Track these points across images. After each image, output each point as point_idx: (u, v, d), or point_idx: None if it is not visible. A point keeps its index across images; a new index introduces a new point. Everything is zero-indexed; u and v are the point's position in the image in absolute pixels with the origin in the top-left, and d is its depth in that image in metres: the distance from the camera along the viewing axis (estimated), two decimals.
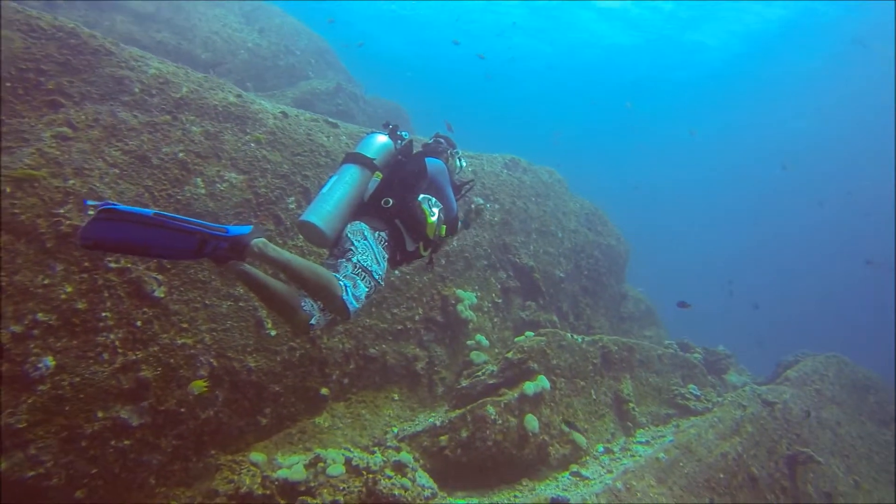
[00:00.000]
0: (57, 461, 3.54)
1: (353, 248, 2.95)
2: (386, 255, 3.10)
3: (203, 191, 4.94)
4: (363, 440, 5.01)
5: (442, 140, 3.89)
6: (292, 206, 5.53)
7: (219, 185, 5.07)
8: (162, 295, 4.34)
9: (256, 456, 4.09)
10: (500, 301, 7.29)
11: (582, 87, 36.89)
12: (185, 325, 4.39)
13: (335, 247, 3.05)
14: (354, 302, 2.76)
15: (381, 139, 3.37)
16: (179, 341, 4.32)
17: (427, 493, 4.05)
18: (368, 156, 3.24)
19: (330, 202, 3.00)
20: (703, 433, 5.69)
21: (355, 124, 7.92)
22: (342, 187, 3.08)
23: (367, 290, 2.88)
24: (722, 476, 5.28)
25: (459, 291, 6.38)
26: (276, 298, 2.61)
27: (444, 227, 3.35)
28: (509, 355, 5.45)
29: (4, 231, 3.77)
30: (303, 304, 2.71)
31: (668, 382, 7.61)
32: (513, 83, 39.44)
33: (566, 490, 4.82)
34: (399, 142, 3.46)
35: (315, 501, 3.49)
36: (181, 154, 4.95)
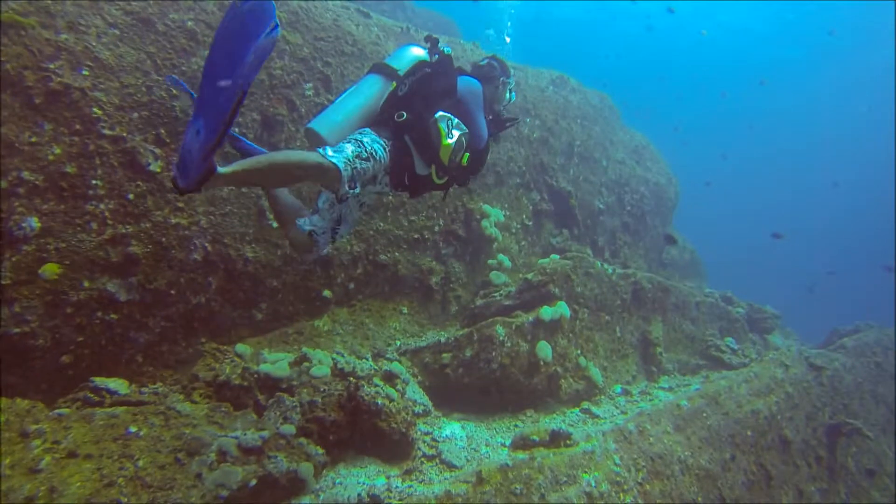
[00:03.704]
0: (42, 323, 3.44)
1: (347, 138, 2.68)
2: (385, 144, 2.72)
3: None
4: (363, 350, 4.76)
5: (496, 64, 3.36)
6: (309, 92, 5.06)
7: None
8: (158, 170, 4.04)
9: (242, 347, 3.89)
10: (530, 224, 6.73)
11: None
12: (180, 205, 4.11)
13: None
14: (334, 154, 2.45)
15: (416, 51, 3.01)
16: (173, 220, 4.06)
17: (419, 408, 3.78)
18: (394, 66, 2.95)
19: (340, 112, 2.79)
20: (734, 386, 5.16)
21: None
22: (357, 98, 2.85)
23: (356, 150, 2.53)
24: (749, 433, 4.79)
25: (486, 206, 5.86)
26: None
27: (467, 154, 2.88)
28: (529, 276, 4.98)
29: None
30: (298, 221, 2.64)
31: (704, 332, 7.01)
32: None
33: (572, 426, 4.47)
34: (436, 56, 3.04)
35: (292, 399, 3.25)
36: (190, 23, 4.49)
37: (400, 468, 3.41)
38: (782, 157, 50.09)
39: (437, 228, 5.60)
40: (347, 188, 2.46)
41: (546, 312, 4.69)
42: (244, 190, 4.43)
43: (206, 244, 4.19)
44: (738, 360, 6.41)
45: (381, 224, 5.23)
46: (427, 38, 3.15)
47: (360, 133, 2.71)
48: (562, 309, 4.82)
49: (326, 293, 4.74)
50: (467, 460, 3.58)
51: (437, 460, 3.53)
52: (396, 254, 5.28)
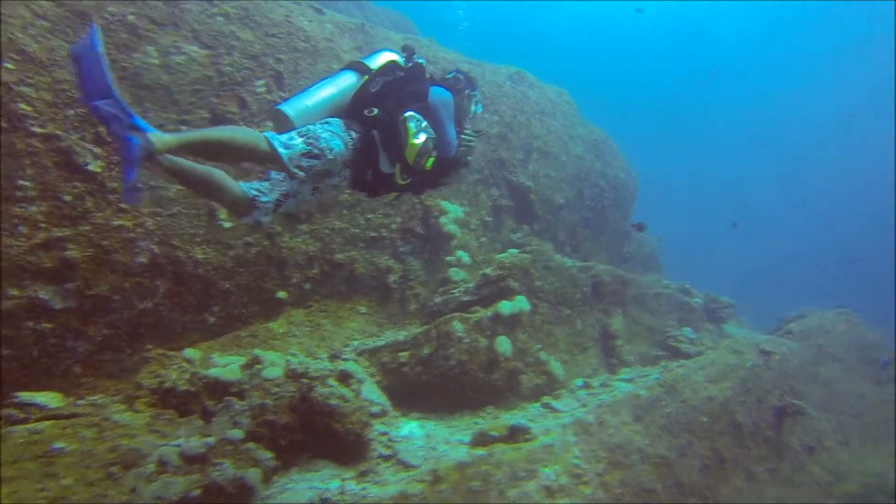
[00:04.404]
0: None
1: (307, 128, 2.65)
2: (348, 139, 2.71)
3: (156, 61, 4.35)
4: (320, 351, 4.65)
5: (461, 77, 3.44)
6: (261, 89, 4.93)
7: (175, 58, 4.46)
8: (98, 169, 3.85)
9: (191, 352, 3.74)
10: (489, 220, 6.73)
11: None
12: (123, 206, 3.92)
13: None
14: (282, 147, 2.44)
15: (390, 55, 3.11)
16: (116, 222, 3.87)
17: (376, 409, 3.70)
18: (368, 64, 3.02)
19: (311, 98, 2.82)
20: (691, 374, 5.28)
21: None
22: (329, 88, 2.89)
23: (306, 148, 2.51)
24: (705, 420, 4.90)
25: (444, 203, 5.81)
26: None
27: (432, 159, 2.90)
28: (488, 271, 4.97)
29: None
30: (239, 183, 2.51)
31: (663, 324, 7.17)
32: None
33: (532, 420, 4.47)
34: (410, 64, 3.12)
35: (241, 403, 3.13)
36: (131, 17, 4.31)
37: (355, 470, 3.33)
38: (739, 150, 51.86)
39: (394, 226, 5.52)
40: (297, 171, 2.48)
41: (505, 307, 4.68)
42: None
43: (153, 246, 4.02)
44: (695, 349, 6.56)
45: (337, 222, 5.13)
46: (404, 48, 3.19)
47: (324, 123, 2.71)
48: (521, 303, 4.82)
49: (281, 294, 4.62)
50: (425, 459, 3.52)
51: (394, 460, 3.46)
52: (353, 252, 5.18)
